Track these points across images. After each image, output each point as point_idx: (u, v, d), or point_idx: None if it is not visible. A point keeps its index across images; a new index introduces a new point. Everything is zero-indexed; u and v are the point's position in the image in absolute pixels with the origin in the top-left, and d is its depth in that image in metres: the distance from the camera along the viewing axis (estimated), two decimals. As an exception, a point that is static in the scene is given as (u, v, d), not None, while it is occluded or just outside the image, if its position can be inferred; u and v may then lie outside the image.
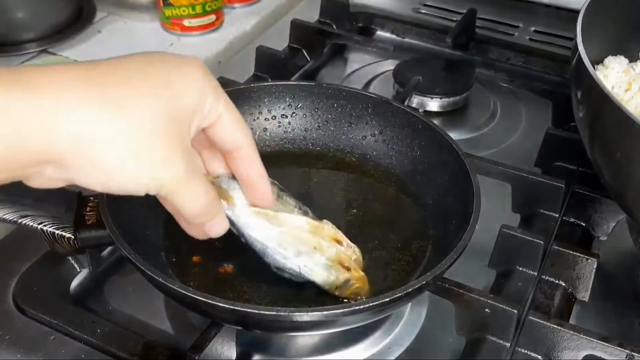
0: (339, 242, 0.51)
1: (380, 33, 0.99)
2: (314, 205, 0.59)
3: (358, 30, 0.99)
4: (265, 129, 0.66)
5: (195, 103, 0.42)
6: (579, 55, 0.54)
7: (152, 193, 0.41)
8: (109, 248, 0.60)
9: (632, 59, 0.66)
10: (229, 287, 0.53)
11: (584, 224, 0.65)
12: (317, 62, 0.91)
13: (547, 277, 0.58)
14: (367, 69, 0.91)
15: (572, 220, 0.65)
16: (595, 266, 0.57)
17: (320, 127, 0.67)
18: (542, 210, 0.65)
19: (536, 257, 0.58)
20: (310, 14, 0.97)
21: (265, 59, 0.85)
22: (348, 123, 0.66)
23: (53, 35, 0.90)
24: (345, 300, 0.51)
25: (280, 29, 0.97)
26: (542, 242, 0.58)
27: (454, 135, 0.61)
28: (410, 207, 0.61)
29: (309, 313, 0.44)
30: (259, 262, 0.55)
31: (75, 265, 0.59)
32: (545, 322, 0.51)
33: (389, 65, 0.90)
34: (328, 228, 0.52)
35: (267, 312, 0.44)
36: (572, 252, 0.58)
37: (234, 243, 0.56)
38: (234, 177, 0.49)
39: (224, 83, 0.62)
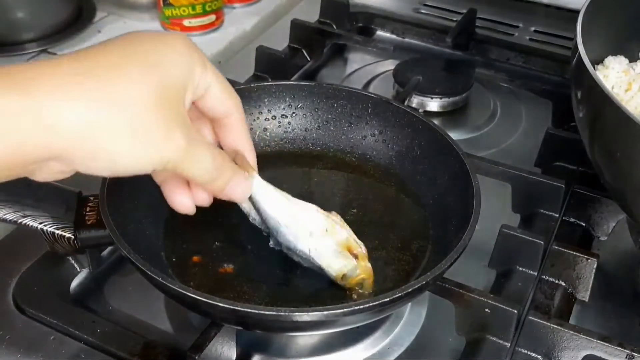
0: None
1: (380, 33, 0.99)
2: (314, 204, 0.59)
3: (358, 30, 0.99)
4: (265, 129, 0.66)
5: (185, 77, 0.42)
6: (579, 55, 0.54)
7: (159, 169, 0.41)
8: (109, 248, 0.60)
9: (632, 59, 0.66)
10: (229, 287, 0.52)
11: (584, 224, 0.65)
12: (317, 62, 0.91)
13: (547, 277, 0.58)
14: (367, 69, 0.91)
15: (572, 220, 0.65)
16: (595, 266, 0.57)
17: (320, 127, 0.67)
18: (542, 210, 0.65)
19: (536, 257, 0.58)
20: (310, 14, 0.97)
21: (265, 59, 0.85)
22: (348, 123, 0.66)
23: (53, 35, 0.90)
24: (348, 291, 0.52)
25: (280, 29, 0.97)
26: (542, 242, 0.58)
27: (454, 135, 0.61)
28: (410, 207, 0.61)
29: (309, 313, 0.44)
30: (259, 262, 0.55)
31: (75, 265, 0.59)
32: (545, 322, 0.52)
33: (389, 65, 0.90)
34: (337, 219, 0.53)
35: (267, 312, 0.44)
36: (572, 252, 0.58)
37: (234, 243, 0.56)
38: None
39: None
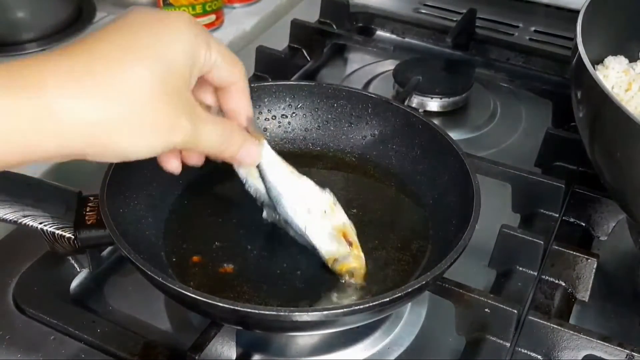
0: None
1: (380, 33, 0.99)
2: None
3: (358, 30, 0.99)
4: (265, 129, 0.66)
5: (189, 62, 0.42)
6: (579, 55, 0.54)
7: (168, 150, 0.43)
8: (109, 248, 0.60)
9: (632, 59, 0.66)
10: (229, 287, 0.52)
11: (584, 224, 0.65)
12: (317, 62, 0.91)
13: (547, 277, 0.58)
14: (367, 69, 0.91)
15: (572, 220, 0.65)
16: (595, 266, 0.57)
17: (320, 127, 0.67)
18: (542, 210, 0.65)
19: (536, 257, 0.58)
20: (310, 14, 0.97)
21: (265, 59, 0.85)
22: (348, 123, 0.66)
23: (53, 35, 0.90)
24: (340, 277, 0.52)
25: (280, 29, 0.97)
26: (542, 242, 0.58)
27: (454, 135, 0.61)
28: (410, 207, 0.61)
29: (309, 313, 0.44)
30: (259, 262, 0.55)
31: (75, 265, 0.59)
32: (545, 322, 0.51)
33: (389, 65, 0.90)
34: (331, 198, 0.54)
35: (267, 312, 0.44)
36: (572, 252, 0.58)
37: (234, 243, 0.56)
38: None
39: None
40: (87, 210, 0.53)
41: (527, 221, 0.65)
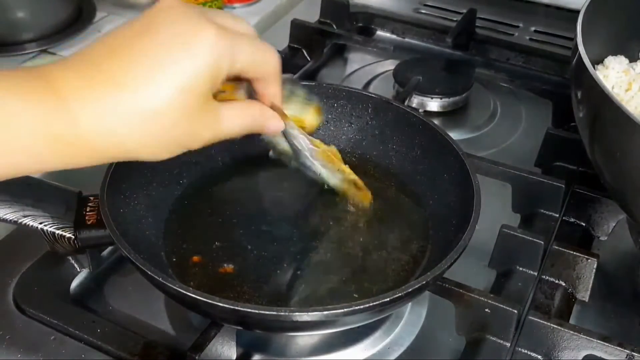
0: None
1: (380, 33, 0.99)
2: (314, 205, 0.59)
3: (358, 30, 0.99)
4: (265, 129, 0.66)
5: (213, 74, 0.42)
6: (579, 55, 0.54)
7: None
8: (109, 248, 0.60)
9: (632, 59, 0.66)
10: (229, 287, 0.52)
11: (584, 224, 0.65)
12: (317, 62, 0.91)
13: (547, 277, 0.58)
14: (367, 69, 0.91)
15: (572, 220, 0.65)
16: (595, 266, 0.57)
17: (320, 127, 0.67)
18: (542, 210, 0.65)
19: (536, 257, 0.58)
20: (310, 14, 0.97)
21: (265, 59, 0.85)
22: (348, 123, 0.66)
23: (53, 35, 0.90)
24: (350, 206, 0.58)
25: (280, 29, 0.97)
26: (542, 242, 0.58)
27: (454, 135, 0.61)
28: (410, 207, 0.61)
29: (309, 313, 0.44)
30: (259, 262, 0.55)
31: (75, 265, 0.59)
32: (545, 322, 0.51)
33: (389, 65, 0.90)
34: (335, 151, 0.58)
35: (267, 312, 0.44)
36: (572, 252, 0.58)
37: (234, 243, 0.56)
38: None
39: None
40: (87, 210, 0.53)
41: (527, 221, 0.65)
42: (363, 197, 0.59)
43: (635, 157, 0.49)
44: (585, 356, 0.51)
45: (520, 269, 0.59)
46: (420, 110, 0.80)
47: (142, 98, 0.39)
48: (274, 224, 0.58)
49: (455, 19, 0.99)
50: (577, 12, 0.60)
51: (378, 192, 0.62)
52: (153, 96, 0.40)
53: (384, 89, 0.86)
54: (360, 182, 0.59)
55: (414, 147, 0.63)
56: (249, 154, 0.65)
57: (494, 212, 0.61)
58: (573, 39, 0.57)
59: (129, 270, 0.57)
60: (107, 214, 0.50)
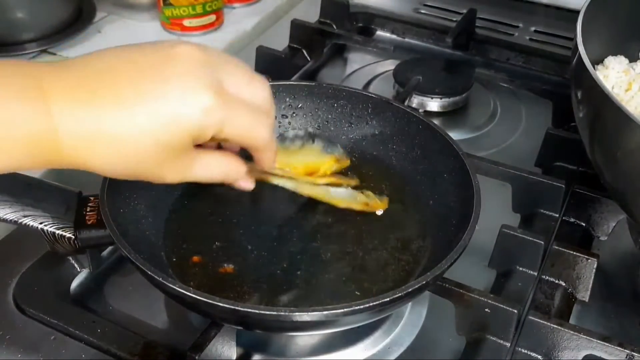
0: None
1: (380, 33, 0.99)
2: (314, 205, 0.59)
3: (358, 30, 0.99)
4: (265, 129, 0.66)
5: (189, 139, 0.42)
6: (579, 55, 0.54)
7: None
8: (109, 248, 0.60)
9: (632, 59, 0.66)
10: (229, 287, 0.52)
11: (584, 224, 0.65)
12: (317, 62, 0.91)
13: (547, 277, 0.58)
14: (367, 69, 0.91)
15: (572, 220, 0.65)
16: (595, 266, 0.57)
17: (321, 127, 0.67)
18: (542, 210, 0.65)
19: (536, 257, 0.58)
20: (310, 14, 0.97)
21: (265, 59, 0.85)
22: (348, 123, 0.66)
23: (53, 35, 0.90)
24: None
25: (280, 29, 0.97)
26: (542, 242, 0.58)
27: (454, 135, 0.61)
28: (410, 207, 0.61)
29: (309, 313, 0.44)
30: (259, 262, 0.55)
31: (76, 265, 0.59)
32: (545, 322, 0.52)
33: (389, 65, 0.90)
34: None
35: (267, 312, 0.44)
36: (572, 252, 0.58)
37: (234, 243, 0.56)
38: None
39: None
40: (88, 210, 0.53)
41: (527, 221, 0.65)
42: (378, 206, 0.60)
43: (635, 157, 0.49)
44: (585, 356, 0.51)
45: (520, 269, 0.59)
46: (420, 110, 0.80)
47: (118, 126, 0.40)
48: (274, 223, 0.58)
49: (455, 19, 0.99)
50: (577, 12, 0.60)
51: (378, 192, 0.62)
52: (129, 131, 0.40)
53: (384, 89, 0.86)
54: (368, 199, 0.60)
55: (414, 147, 0.63)
56: (248, 154, 0.64)
57: (494, 212, 0.61)
58: (573, 39, 0.57)
59: (129, 270, 0.57)
60: (107, 214, 0.50)
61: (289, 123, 0.66)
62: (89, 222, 0.53)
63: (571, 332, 0.51)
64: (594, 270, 0.57)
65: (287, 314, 0.44)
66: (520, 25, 1.01)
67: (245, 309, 0.44)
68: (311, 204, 0.59)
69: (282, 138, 0.60)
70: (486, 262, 0.60)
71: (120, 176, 0.43)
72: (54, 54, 0.89)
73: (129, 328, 0.54)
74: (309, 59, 0.90)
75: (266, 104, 0.47)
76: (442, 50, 0.92)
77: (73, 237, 0.52)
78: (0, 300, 0.56)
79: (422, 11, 1.04)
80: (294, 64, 0.88)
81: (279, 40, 0.91)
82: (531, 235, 0.58)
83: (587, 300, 0.58)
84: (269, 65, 0.84)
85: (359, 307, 0.44)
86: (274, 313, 0.44)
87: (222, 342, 0.50)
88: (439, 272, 0.47)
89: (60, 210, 0.53)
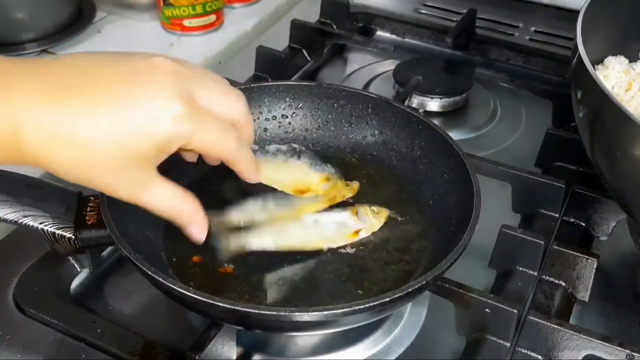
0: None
1: (380, 33, 0.99)
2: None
3: (358, 30, 0.99)
4: (265, 129, 0.66)
5: (155, 150, 0.42)
6: (579, 55, 0.54)
7: None
8: (110, 248, 0.60)
9: (632, 59, 0.66)
10: (229, 287, 0.52)
11: (584, 224, 0.65)
12: (317, 62, 0.91)
13: (547, 277, 0.58)
14: (367, 69, 0.91)
15: (572, 220, 0.65)
16: (595, 266, 0.57)
17: (321, 127, 0.67)
18: (542, 210, 0.65)
19: (536, 257, 0.58)
20: (310, 14, 0.97)
21: (265, 59, 0.85)
22: (348, 123, 0.66)
23: (53, 35, 0.90)
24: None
25: (280, 29, 0.97)
26: (542, 242, 0.58)
27: (454, 135, 0.61)
28: (410, 207, 0.61)
29: (309, 313, 0.44)
30: (259, 262, 0.55)
31: (76, 265, 0.59)
32: (545, 322, 0.52)
33: (389, 65, 0.90)
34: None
35: (267, 312, 0.44)
36: (572, 252, 0.58)
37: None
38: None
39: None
40: (88, 210, 0.53)
41: (527, 221, 0.65)
42: (350, 190, 0.60)
43: (635, 157, 0.49)
44: (585, 356, 0.51)
45: (520, 269, 0.59)
46: (420, 110, 0.80)
47: (79, 127, 0.40)
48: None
49: (455, 19, 0.99)
50: (577, 12, 0.60)
51: (378, 192, 0.62)
52: (90, 132, 0.40)
53: (384, 89, 0.86)
54: (338, 188, 0.60)
55: (414, 147, 0.63)
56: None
57: (494, 212, 0.61)
58: (573, 39, 0.57)
59: (129, 270, 0.57)
60: (107, 214, 0.50)
61: (289, 123, 0.66)
62: (89, 222, 0.53)
63: (571, 332, 0.51)
64: (594, 270, 0.57)
65: (287, 314, 0.44)
66: (520, 25, 1.01)
67: (245, 309, 0.44)
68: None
69: (263, 152, 0.60)
70: (486, 262, 0.60)
71: (75, 180, 0.42)
72: (54, 54, 0.89)
73: (129, 328, 0.54)
74: (309, 59, 0.90)
75: (241, 117, 0.47)
76: (442, 50, 0.92)
77: (73, 237, 0.52)
78: (0, 300, 0.56)
79: (422, 11, 1.04)
80: (294, 64, 0.88)
81: (279, 40, 0.91)
82: (531, 235, 0.58)
83: (587, 300, 0.58)
84: (269, 65, 0.84)
85: (359, 307, 0.44)
86: (274, 313, 0.44)
87: (222, 342, 0.50)
88: (439, 272, 0.47)
89: (60, 210, 0.53)
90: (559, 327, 0.51)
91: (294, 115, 0.67)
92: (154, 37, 0.94)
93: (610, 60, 0.64)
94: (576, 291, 0.58)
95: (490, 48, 0.92)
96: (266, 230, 0.55)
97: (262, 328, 0.50)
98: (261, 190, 0.58)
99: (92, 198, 0.54)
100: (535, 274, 0.58)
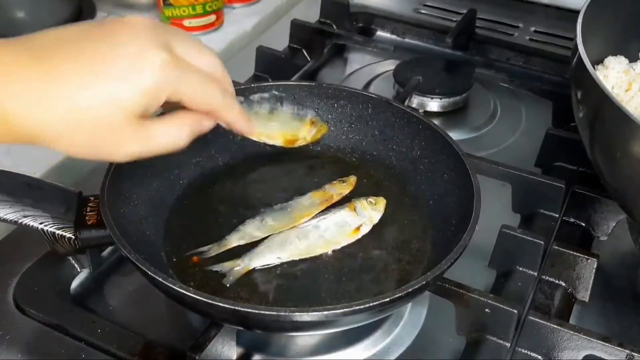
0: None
1: (380, 33, 0.99)
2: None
3: (358, 30, 0.99)
4: (265, 129, 0.66)
5: (144, 101, 0.42)
6: (579, 55, 0.54)
7: None
8: (109, 248, 0.60)
9: (632, 59, 0.66)
10: (229, 287, 0.52)
11: (584, 224, 0.65)
12: (317, 62, 0.91)
13: (547, 277, 0.58)
14: (367, 69, 0.91)
15: (572, 220, 0.65)
16: (595, 266, 0.57)
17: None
18: (542, 210, 0.65)
19: (536, 257, 0.58)
20: (310, 14, 0.97)
21: (265, 59, 0.85)
22: (348, 123, 0.66)
23: (53, 35, 0.90)
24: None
25: (280, 29, 0.97)
26: (542, 242, 0.58)
27: (454, 135, 0.61)
28: (410, 207, 0.61)
29: (309, 313, 0.44)
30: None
31: (76, 265, 0.59)
32: (545, 322, 0.52)
33: (389, 65, 0.90)
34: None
35: (267, 312, 0.44)
36: (572, 252, 0.58)
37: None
38: None
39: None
40: (88, 210, 0.53)
41: (527, 221, 0.65)
42: (320, 130, 0.63)
43: (635, 157, 0.49)
44: (585, 356, 0.51)
45: (520, 269, 0.59)
46: (420, 110, 0.80)
47: (69, 96, 0.40)
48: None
49: (455, 19, 0.99)
50: (577, 12, 0.60)
51: (378, 192, 0.62)
52: (80, 97, 0.40)
53: (384, 89, 0.86)
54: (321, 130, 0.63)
55: (414, 147, 0.63)
56: (248, 154, 0.65)
57: (494, 212, 0.61)
58: (573, 39, 0.57)
59: (129, 270, 0.57)
60: (107, 214, 0.50)
61: (289, 123, 0.66)
62: (89, 222, 0.53)
63: (571, 332, 0.51)
64: (594, 270, 0.57)
65: (287, 314, 0.44)
66: (520, 25, 1.01)
67: (245, 309, 0.44)
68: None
69: (249, 103, 0.60)
70: (486, 262, 0.60)
71: (75, 150, 0.42)
72: (54, 54, 0.89)
73: (129, 328, 0.54)
74: (309, 59, 0.90)
75: (217, 72, 0.47)
76: (442, 51, 0.92)
77: (73, 237, 0.52)
78: (0, 300, 0.56)
79: (422, 11, 1.04)
80: (294, 64, 0.88)
81: (279, 40, 0.91)
82: (531, 235, 0.58)
83: (587, 300, 0.58)
84: (269, 65, 0.85)
85: (359, 307, 0.44)
86: (274, 313, 0.44)
87: (222, 342, 0.50)
88: (439, 272, 0.47)
89: (60, 210, 0.53)
90: (559, 327, 0.51)
91: (294, 115, 0.67)
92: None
93: (610, 60, 0.64)
94: (576, 291, 0.58)
95: (490, 48, 0.92)
96: (267, 248, 0.55)
97: (262, 328, 0.50)
98: (258, 205, 0.59)
99: (92, 198, 0.54)
100: (535, 274, 0.58)
